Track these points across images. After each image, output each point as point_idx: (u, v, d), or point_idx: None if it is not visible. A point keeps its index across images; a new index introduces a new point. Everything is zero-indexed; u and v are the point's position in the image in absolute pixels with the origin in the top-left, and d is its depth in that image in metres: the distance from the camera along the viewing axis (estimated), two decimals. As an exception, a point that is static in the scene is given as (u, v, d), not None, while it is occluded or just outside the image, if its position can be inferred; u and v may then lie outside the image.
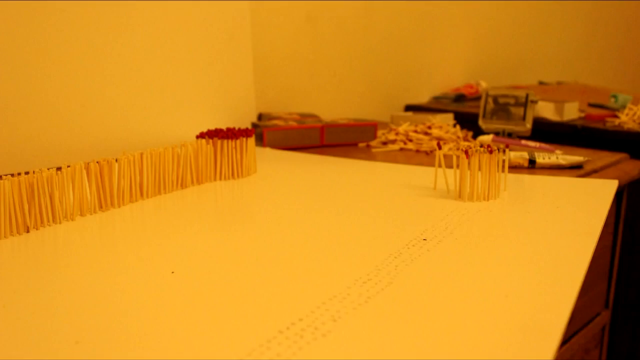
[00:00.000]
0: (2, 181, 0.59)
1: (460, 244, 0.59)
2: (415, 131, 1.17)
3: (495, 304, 0.46)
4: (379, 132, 1.20)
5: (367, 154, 1.07)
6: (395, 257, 0.55)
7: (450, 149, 0.68)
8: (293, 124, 1.14)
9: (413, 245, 0.58)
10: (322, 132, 1.14)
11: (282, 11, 1.35)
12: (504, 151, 0.76)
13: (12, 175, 0.60)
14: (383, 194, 0.79)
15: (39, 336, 0.40)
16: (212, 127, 0.86)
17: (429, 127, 1.18)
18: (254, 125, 1.15)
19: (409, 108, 1.64)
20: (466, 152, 0.71)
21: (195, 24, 1.07)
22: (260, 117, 1.26)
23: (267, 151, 1.07)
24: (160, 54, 1.02)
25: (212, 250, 0.58)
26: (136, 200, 0.73)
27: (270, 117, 1.22)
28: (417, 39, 1.75)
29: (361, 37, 1.57)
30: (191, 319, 0.43)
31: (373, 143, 1.15)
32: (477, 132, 1.23)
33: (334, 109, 1.47)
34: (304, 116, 1.25)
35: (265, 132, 1.10)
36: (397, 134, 1.17)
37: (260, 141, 1.10)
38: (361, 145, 1.15)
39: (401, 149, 1.12)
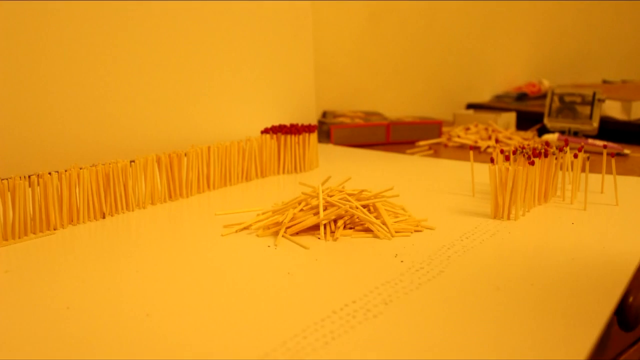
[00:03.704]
0: (81, 171, 0.63)
1: (514, 236, 0.60)
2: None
3: (538, 296, 0.47)
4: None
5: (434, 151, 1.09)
6: (448, 249, 0.57)
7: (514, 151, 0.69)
8: (359, 121, 1.17)
9: (467, 238, 0.60)
10: (387, 129, 1.16)
11: (345, 10, 1.37)
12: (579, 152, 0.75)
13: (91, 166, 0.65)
14: (442, 187, 0.80)
15: (113, 310, 0.44)
16: (276, 124, 0.90)
17: (493, 131, 1.19)
18: (321, 123, 1.18)
19: (470, 106, 1.64)
20: (529, 157, 0.70)
21: (259, 23, 1.10)
22: (324, 114, 1.29)
23: (334, 147, 1.10)
24: (225, 53, 1.06)
25: (273, 238, 0.61)
26: (203, 191, 0.77)
27: (335, 115, 1.25)
28: (479, 38, 1.75)
29: (423, 36, 1.58)
30: (253, 298, 0.46)
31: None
32: (541, 130, 1.22)
33: (396, 106, 1.49)
34: (368, 114, 1.27)
35: (333, 129, 1.13)
36: (448, 138, 1.18)
37: (328, 138, 1.13)
38: (422, 143, 1.16)
39: (474, 147, 1.13)
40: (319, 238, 0.60)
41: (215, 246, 0.58)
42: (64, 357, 0.38)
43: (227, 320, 0.43)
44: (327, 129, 1.14)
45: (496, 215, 0.66)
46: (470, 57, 1.73)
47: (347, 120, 1.17)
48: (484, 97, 1.77)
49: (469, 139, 1.15)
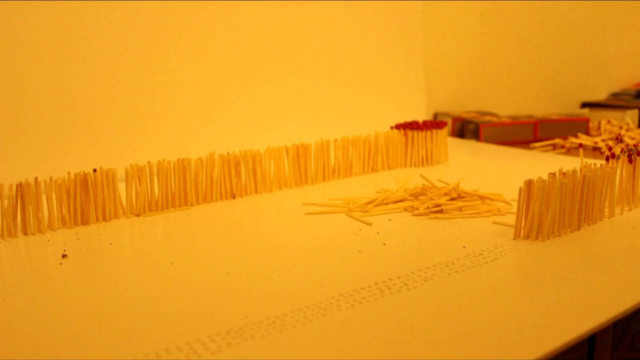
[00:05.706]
0: (215, 156, 0.75)
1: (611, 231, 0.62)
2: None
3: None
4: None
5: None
6: (522, 241, 0.60)
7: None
8: (506, 120, 1.19)
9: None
10: (535, 127, 1.17)
11: (455, 10, 1.37)
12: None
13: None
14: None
15: (244, 274, 0.54)
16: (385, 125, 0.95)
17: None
18: (467, 122, 1.22)
19: (585, 105, 1.56)
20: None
21: (369, 25, 1.14)
22: (435, 116, 1.31)
23: (482, 145, 1.14)
24: (336, 57, 1.11)
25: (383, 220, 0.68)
26: (328, 180, 0.86)
27: (450, 116, 1.27)
28: (594, 33, 1.64)
29: (535, 33, 1.52)
30: (327, 263, 0.54)
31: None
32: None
33: (507, 106, 1.46)
34: (482, 114, 1.28)
35: (482, 128, 1.16)
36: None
37: (475, 136, 1.17)
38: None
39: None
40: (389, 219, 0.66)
41: (336, 225, 0.67)
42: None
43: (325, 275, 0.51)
44: (474, 128, 1.17)
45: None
46: (584, 53, 1.63)
47: (493, 119, 1.20)
48: (600, 95, 1.66)
49: (589, 139, 1.13)
